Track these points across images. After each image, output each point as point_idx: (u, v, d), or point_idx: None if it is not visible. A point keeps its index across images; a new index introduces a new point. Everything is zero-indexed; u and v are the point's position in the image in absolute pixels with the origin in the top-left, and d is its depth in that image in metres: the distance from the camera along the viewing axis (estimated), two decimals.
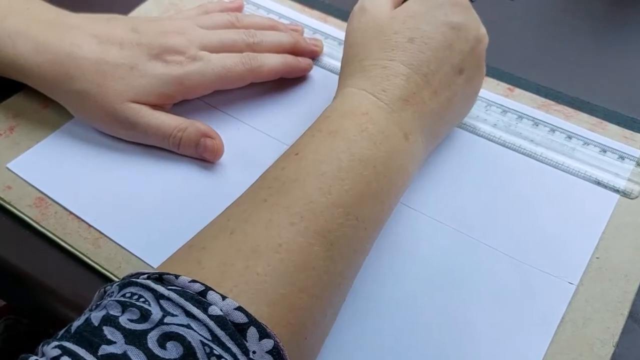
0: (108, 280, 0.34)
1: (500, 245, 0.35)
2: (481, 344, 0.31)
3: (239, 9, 0.47)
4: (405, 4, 0.36)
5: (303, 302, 0.26)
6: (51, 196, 0.37)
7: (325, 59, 0.45)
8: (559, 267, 0.34)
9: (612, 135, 0.40)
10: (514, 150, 0.39)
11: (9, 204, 0.37)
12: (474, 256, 0.34)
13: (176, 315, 0.23)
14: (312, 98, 0.43)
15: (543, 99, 0.42)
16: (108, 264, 0.34)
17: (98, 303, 0.25)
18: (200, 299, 0.24)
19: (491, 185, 0.38)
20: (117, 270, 0.34)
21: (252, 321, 0.24)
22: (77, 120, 0.40)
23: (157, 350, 0.22)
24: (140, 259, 0.34)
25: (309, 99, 0.42)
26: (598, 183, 0.37)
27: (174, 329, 0.23)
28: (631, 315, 0.33)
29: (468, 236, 0.35)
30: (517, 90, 0.43)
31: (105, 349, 0.22)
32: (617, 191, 0.37)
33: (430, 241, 0.35)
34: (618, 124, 0.41)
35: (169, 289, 0.24)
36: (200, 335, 0.23)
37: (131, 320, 0.23)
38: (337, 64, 0.44)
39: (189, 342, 0.22)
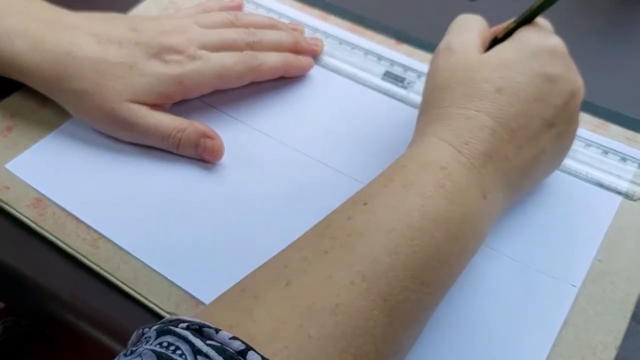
0: (106, 282, 0.33)
1: (501, 247, 0.35)
2: (483, 346, 0.31)
3: (239, 7, 0.47)
4: (497, 48, 0.33)
5: None
6: (49, 197, 0.37)
7: (326, 58, 0.45)
8: (560, 269, 0.34)
9: (614, 136, 0.40)
10: None
11: (6, 204, 0.36)
12: (475, 258, 0.34)
13: None
14: (312, 98, 0.42)
15: None
16: (107, 265, 0.34)
17: (133, 349, 0.24)
18: (239, 359, 0.22)
19: None
20: (116, 271, 0.34)
21: None
22: (75, 120, 0.40)
23: None
24: (140, 260, 0.34)
25: (309, 99, 0.42)
26: (600, 185, 0.37)
27: None
28: (634, 318, 0.33)
29: None
30: None
31: None
32: (619, 193, 0.37)
33: None
34: (620, 125, 0.40)
35: (207, 344, 0.23)
36: None
37: None
38: (337, 63, 0.44)
39: None
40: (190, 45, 0.39)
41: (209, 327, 0.23)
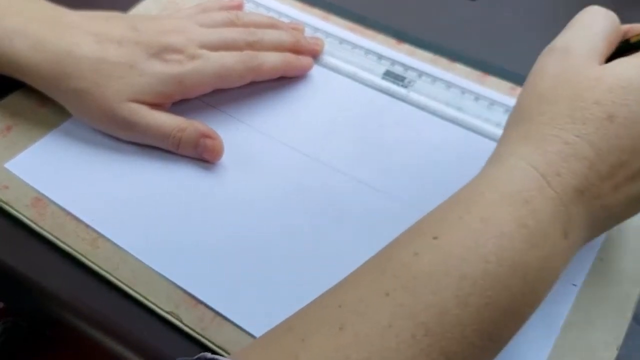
0: (105, 281, 0.33)
1: None
2: None
3: (239, 7, 0.47)
4: (620, 62, 0.28)
5: None
6: (49, 196, 0.36)
7: (326, 58, 0.44)
8: None
9: None
10: None
11: (6, 204, 0.36)
12: None
13: None
14: (313, 97, 0.42)
15: None
16: (106, 264, 0.34)
17: None
18: None
19: None
20: (115, 271, 0.33)
21: None
22: (75, 119, 0.40)
23: None
24: (139, 260, 0.34)
25: (310, 99, 0.42)
26: None
27: None
28: (635, 317, 0.32)
29: None
30: (520, 89, 0.42)
31: None
32: None
33: None
34: None
35: None
36: None
37: None
38: (338, 63, 0.44)
39: None
40: (190, 45, 0.39)
41: None
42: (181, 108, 0.40)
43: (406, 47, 0.45)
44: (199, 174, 0.38)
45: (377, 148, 0.39)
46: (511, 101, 0.41)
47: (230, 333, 0.31)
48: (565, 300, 0.32)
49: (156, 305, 0.32)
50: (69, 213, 0.36)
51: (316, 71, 0.44)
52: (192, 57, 0.38)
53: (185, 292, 0.33)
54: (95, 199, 0.36)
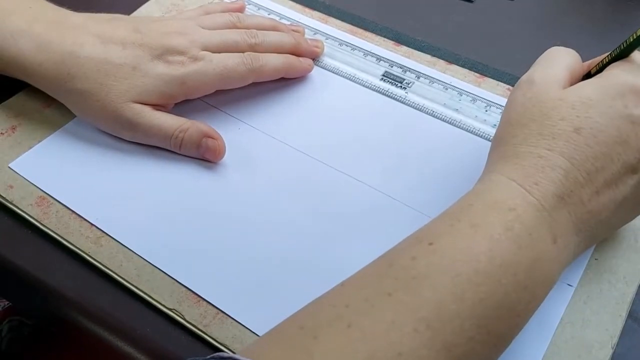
0: (109, 279, 0.34)
1: None
2: None
3: (241, 9, 0.47)
4: (580, 85, 0.31)
5: None
6: (53, 195, 0.37)
7: (326, 59, 0.45)
8: None
9: None
10: None
11: (11, 203, 0.37)
12: None
13: None
14: (313, 98, 0.43)
15: None
16: (109, 262, 0.34)
17: None
18: None
19: None
20: (119, 268, 0.34)
21: None
22: (79, 119, 0.40)
23: None
24: (142, 258, 0.34)
25: (310, 100, 0.43)
26: None
27: None
28: (630, 316, 0.33)
29: None
30: None
31: None
32: None
33: None
34: None
35: None
36: None
37: None
38: (337, 64, 0.44)
39: None
40: (192, 47, 0.39)
41: None
42: (183, 109, 0.41)
43: (404, 49, 0.46)
44: (201, 174, 0.38)
45: (376, 148, 0.40)
46: None
47: (232, 330, 0.32)
48: (561, 300, 0.33)
49: (159, 303, 0.33)
50: (73, 212, 0.36)
51: (316, 72, 0.44)
52: (195, 58, 0.39)
53: (187, 289, 0.33)
54: (99, 198, 0.37)
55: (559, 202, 0.28)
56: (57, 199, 0.37)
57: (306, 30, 0.46)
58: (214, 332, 0.32)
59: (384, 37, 0.46)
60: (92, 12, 0.41)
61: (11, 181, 0.38)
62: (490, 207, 0.28)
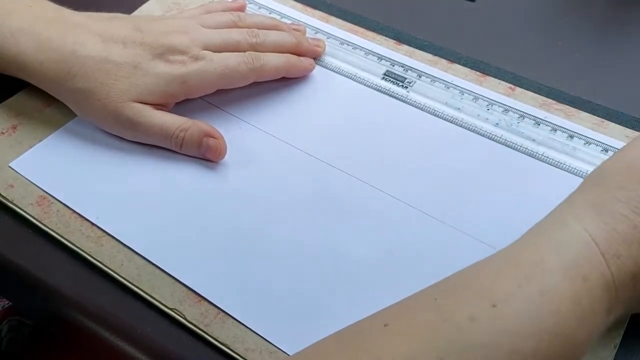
0: (110, 279, 0.34)
1: (500, 244, 0.35)
2: None
3: (242, 8, 0.47)
4: None
5: None
6: (53, 195, 0.37)
7: (327, 59, 0.45)
8: None
9: (613, 134, 0.40)
10: (515, 149, 0.39)
11: (11, 202, 0.37)
12: (473, 256, 0.34)
13: None
14: (314, 98, 0.43)
15: (544, 98, 0.42)
16: (110, 262, 0.34)
17: None
18: None
19: (492, 185, 0.38)
20: (119, 268, 0.34)
21: None
22: (79, 119, 0.40)
23: None
24: (143, 257, 0.34)
25: (311, 99, 0.43)
26: None
27: None
28: (633, 316, 0.33)
29: (467, 235, 0.35)
30: (518, 90, 0.43)
31: None
32: None
33: (431, 240, 0.35)
34: (620, 123, 0.41)
35: None
36: None
37: None
38: (339, 63, 0.44)
39: None
40: (193, 46, 0.39)
41: None
42: (184, 108, 0.41)
43: (405, 48, 0.46)
44: (202, 173, 0.38)
45: (377, 147, 0.40)
46: (509, 101, 0.42)
47: (233, 329, 0.32)
48: None
49: (160, 302, 0.33)
50: (73, 211, 0.36)
51: (317, 72, 0.44)
52: (196, 58, 0.39)
53: (189, 289, 0.33)
54: (99, 197, 0.37)
55: (632, 281, 0.26)
56: (58, 199, 0.37)
57: (307, 30, 0.46)
58: (215, 331, 0.32)
59: (386, 36, 0.46)
60: (93, 11, 0.41)
61: (11, 180, 0.38)
62: (565, 272, 0.26)
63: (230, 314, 0.32)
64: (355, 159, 0.39)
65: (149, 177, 0.38)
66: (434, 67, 0.44)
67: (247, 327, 0.32)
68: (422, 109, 0.42)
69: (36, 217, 0.36)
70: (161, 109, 0.39)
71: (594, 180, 0.29)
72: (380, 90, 0.43)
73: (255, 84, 0.42)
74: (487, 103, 0.42)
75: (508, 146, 0.39)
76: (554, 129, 0.40)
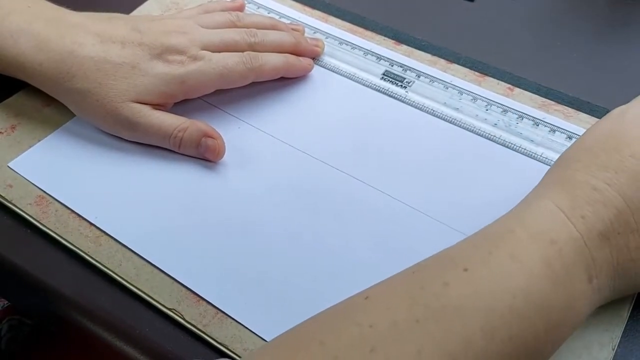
0: (108, 278, 0.34)
1: None
2: None
3: (240, 8, 0.47)
4: None
5: None
6: (52, 194, 0.37)
7: (326, 59, 0.45)
8: None
9: None
10: (514, 150, 0.39)
11: (10, 202, 0.37)
12: None
13: None
14: (313, 97, 0.43)
15: (543, 99, 0.42)
16: (109, 261, 0.34)
17: None
18: None
19: (490, 185, 0.38)
20: (118, 268, 0.34)
21: None
22: (78, 119, 0.40)
23: None
24: (141, 257, 0.34)
25: (310, 99, 0.43)
26: None
27: None
28: (631, 317, 0.33)
29: (465, 235, 0.35)
30: (517, 90, 0.43)
31: None
32: None
33: (427, 240, 0.35)
34: None
35: None
36: None
37: None
38: (337, 63, 0.44)
39: None
40: (192, 46, 0.39)
41: None
42: (183, 108, 0.41)
43: (404, 48, 0.46)
44: (201, 173, 0.38)
45: (376, 148, 0.40)
46: (508, 101, 0.42)
47: (231, 329, 0.32)
48: None
49: (158, 302, 0.33)
50: (72, 211, 0.36)
51: (316, 72, 0.44)
52: (194, 58, 0.39)
53: (187, 289, 0.33)
54: (98, 197, 0.37)
55: (603, 241, 0.27)
56: (57, 198, 0.37)
57: (306, 29, 0.46)
58: (214, 331, 0.32)
59: (384, 35, 0.46)
60: (93, 11, 0.41)
61: (10, 180, 0.38)
62: (533, 237, 0.27)
63: (229, 314, 0.32)
64: (353, 159, 0.39)
65: (148, 177, 0.38)
66: (433, 67, 0.44)
67: (246, 327, 0.32)
68: (421, 109, 0.42)
69: (35, 216, 0.36)
70: (160, 109, 0.39)
71: (555, 165, 0.31)
72: (379, 90, 0.43)
73: (254, 83, 0.42)
74: (485, 103, 0.42)
75: (507, 147, 0.39)
76: (553, 129, 0.40)
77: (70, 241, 0.35)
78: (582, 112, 0.41)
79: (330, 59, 0.45)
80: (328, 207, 0.37)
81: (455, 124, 0.41)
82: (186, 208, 0.37)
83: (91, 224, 0.36)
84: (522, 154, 0.39)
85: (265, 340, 0.31)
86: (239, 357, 0.31)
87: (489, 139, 0.40)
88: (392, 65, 0.44)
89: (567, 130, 0.40)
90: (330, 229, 0.36)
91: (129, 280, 0.33)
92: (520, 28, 0.48)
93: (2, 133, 0.40)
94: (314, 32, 0.47)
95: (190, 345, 0.32)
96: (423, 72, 0.44)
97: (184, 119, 0.39)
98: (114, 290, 0.34)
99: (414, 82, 0.43)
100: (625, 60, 0.46)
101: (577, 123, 0.41)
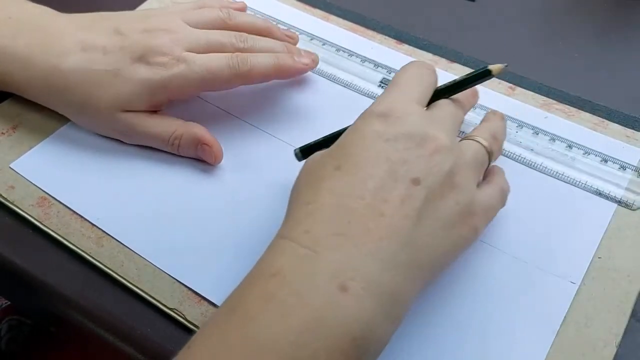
0: (110, 279, 0.34)
1: (501, 244, 0.35)
2: (483, 344, 0.31)
3: (242, 10, 0.45)
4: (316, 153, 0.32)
5: None
6: (54, 195, 0.37)
7: (323, 66, 0.44)
8: (560, 266, 0.34)
9: (614, 134, 0.40)
10: (514, 159, 0.39)
11: (12, 203, 0.37)
12: (474, 256, 0.34)
13: None
14: (313, 96, 0.42)
15: (544, 98, 0.42)
16: (110, 262, 0.34)
17: None
18: None
19: None
20: (120, 268, 0.34)
21: None
22: None
23: None
24: (143, 258, 0.34)
25: (310, 98, 0.42)
26: (599, 194, 0.37)
27: None
28: (634, 315, 0.33)
29: None
30: (518, 89, 0.43)
31: None
32: (618, 202, 0.36)
33: None
34: (620, 123, 0.40)
35: None
36: None
37: None
38: (335, 71, 0.44)
39: None
40: (175, 47, 0.37)
41: None
42: (182, 108, 0.40)
43: (406, 47, 0.45)
44: (201, 173, 0.38)
45: None
46: (508, 108, 0.41)
47: None
48: (564, 298, 0.33)
49: (160, 303, 0.33)
50: (74, 212, 0.36)
51: (312, 79, 0.43)
52: (177, 60, 0.37)
53: (188, 289, 0.33)
54: (99, 198, 0.37)
55: (338, 239, 0.26)
56: (58, 199, 0.37)
57: (303, 35, 0.46)
58: None
59: (386, 35, 0.46)
60: (94, 10, 0.40)
61: (12, 181, 0.38)
62: (252, 282, 0.27)
63: None
64: None
65: (149, 178, 0.38)
66: (435, 66, 0.44)
67: None
68: None
69: (37, 218, 0.36)
70: (153, 114, 0.38)
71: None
72: (376, 98, 0.42)
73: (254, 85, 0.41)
74: (484, 111, 0.41)
75: (506, 156, 0.39)
76: (553, 138, 0.40)
77: (72, 242, 0.35)
78: (584, 111, 0.41)
79: (327, 67, 0.44)
80: None
81: None
82: (187, 208, 0.36)
83: (93, 224, 0.36)
84: (522, 163, 0.39)
85: None
86: None
87: None
88: (390, 73, 0.43)
89: (567, 139, 0.39)
90: None
91: (130, 281, 0.33)
92: (521, 27, 0.48)
93: (4, 134, 0.40)
94: (311, 39, 0.46)
95: None
96: None
97: (178, 124, 0.38)
98: (115, 291, 0.34)
99: None
100: (627, 59, 0.46)
101: (579, 122, 0.41)
